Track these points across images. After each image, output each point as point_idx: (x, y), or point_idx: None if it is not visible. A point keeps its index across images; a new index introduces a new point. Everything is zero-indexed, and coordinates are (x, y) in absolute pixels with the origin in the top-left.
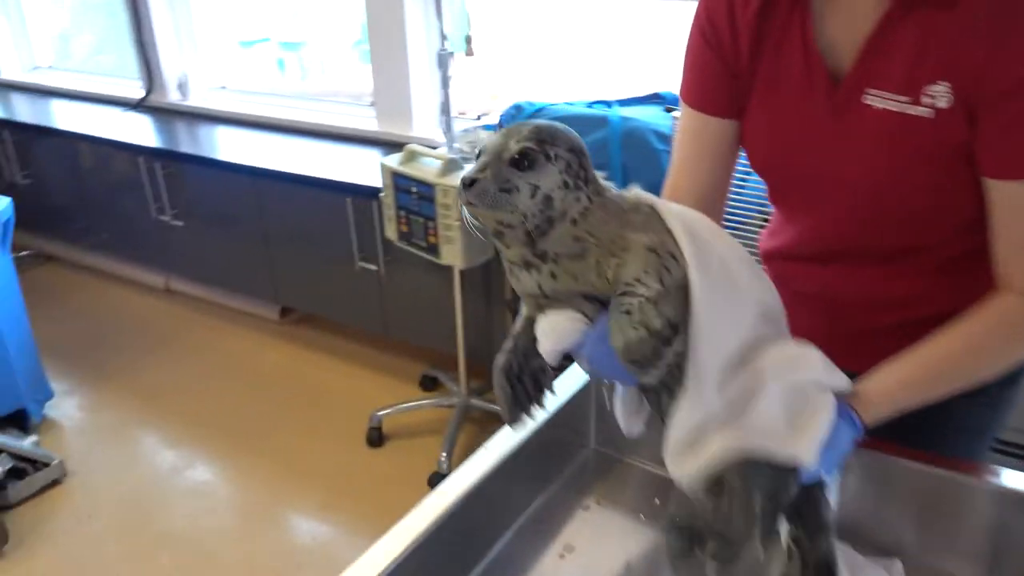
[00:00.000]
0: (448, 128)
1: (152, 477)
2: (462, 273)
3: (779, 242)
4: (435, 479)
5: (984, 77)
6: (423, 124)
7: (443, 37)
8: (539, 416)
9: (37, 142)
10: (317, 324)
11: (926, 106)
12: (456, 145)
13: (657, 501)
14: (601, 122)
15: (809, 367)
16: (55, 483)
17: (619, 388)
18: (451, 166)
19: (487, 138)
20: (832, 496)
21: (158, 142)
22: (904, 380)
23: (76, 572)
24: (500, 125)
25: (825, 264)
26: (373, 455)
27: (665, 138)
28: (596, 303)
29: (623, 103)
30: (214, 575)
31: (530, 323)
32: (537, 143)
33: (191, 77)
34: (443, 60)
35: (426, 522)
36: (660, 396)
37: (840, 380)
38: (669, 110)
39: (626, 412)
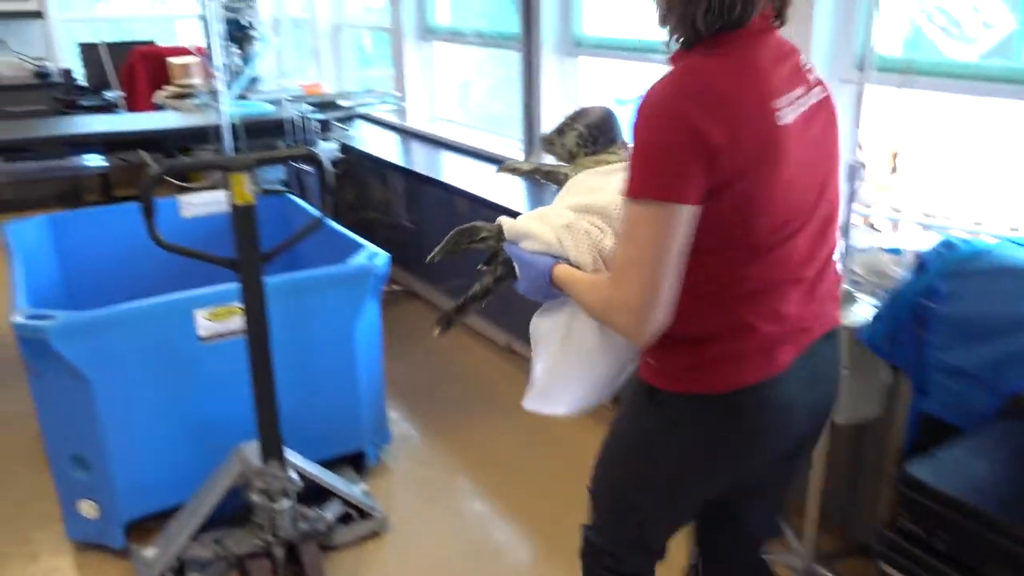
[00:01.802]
0: (848, 252)
1: (467, 550)
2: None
3: None
4: None
5: None
6: None
7: (857, 145)
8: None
9: (423, 190)
10: None
11: None
12: (855, 269)
13: None
14: None
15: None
16: (375, 534)
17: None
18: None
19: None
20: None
21: (522, 205)
22: (578, 278)
23: None
24: (921, 264)
25: None
26: None
27: None
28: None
29: None
30: None
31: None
32: (570, 119)
33: None
34: (852, 171)
35: None
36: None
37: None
38: None
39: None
